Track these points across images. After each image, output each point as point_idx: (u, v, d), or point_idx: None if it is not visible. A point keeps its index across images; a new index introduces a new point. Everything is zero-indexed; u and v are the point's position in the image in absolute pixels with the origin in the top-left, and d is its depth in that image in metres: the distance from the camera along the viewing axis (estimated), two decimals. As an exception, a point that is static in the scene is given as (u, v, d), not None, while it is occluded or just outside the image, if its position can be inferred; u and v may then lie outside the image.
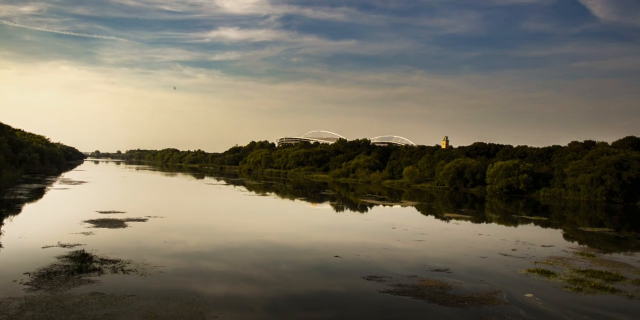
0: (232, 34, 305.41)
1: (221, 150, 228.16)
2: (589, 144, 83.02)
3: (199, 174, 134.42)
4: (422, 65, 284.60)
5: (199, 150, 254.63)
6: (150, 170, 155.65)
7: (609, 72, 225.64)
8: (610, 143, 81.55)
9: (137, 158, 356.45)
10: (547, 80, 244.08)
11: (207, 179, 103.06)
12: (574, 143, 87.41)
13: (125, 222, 30.17)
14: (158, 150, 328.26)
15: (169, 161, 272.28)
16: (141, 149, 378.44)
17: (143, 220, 31.89)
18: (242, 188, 75.62)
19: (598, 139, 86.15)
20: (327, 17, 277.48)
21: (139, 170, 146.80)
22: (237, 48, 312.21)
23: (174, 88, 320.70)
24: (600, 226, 39.53)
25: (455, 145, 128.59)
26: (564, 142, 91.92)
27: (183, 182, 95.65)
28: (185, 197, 57.99)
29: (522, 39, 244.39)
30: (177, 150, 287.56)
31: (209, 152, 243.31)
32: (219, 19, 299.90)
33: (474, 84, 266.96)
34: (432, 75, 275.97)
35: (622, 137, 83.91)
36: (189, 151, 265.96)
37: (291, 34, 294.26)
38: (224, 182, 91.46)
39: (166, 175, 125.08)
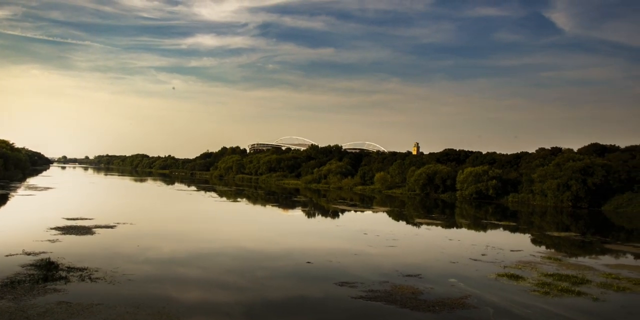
0: (209, 40, 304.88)
1: (192, 156, 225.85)
2: (556, 151, 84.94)
3: (169, 179, 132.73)
4: (397, 73, 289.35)
5: (170, 155, 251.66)
6: (119, 176, 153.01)
7: (575, 82, 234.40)
8: (576, 150, 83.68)
9: (105, 164, 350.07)
10: (517, 89, 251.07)
11: (178, 185, 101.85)
12: (542, 149, 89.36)
13: (93, 229, 29.54)
14: (127, 155, 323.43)
15: (139, 167, 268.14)
16: (110, 154, 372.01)
17: (112, 227, 31.27)
18: (214, 194, 74.93)
19: (564, 145, 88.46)
20: (306, 26, 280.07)
21: (108, 176, 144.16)
22: (214, 54, 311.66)
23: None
24: (566, 231, 40.39)
25: (426, 152, 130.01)
26: (531, 149, 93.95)
27: (153, 188, 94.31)
28: (156, 204, 57.15)
29: (494, 49, 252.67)
30: (147, 156, 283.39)
31: (180, 157, 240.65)
32: (197, 26, 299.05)
33: (447, 91, 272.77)
34: (407, 83, 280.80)
35: (587, 144, 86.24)
36: (159, 157, 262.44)
37: (269, 41, 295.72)
38: (195, 188, 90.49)
39: (135, 181, 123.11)
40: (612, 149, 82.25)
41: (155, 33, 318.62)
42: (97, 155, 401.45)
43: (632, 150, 75.95)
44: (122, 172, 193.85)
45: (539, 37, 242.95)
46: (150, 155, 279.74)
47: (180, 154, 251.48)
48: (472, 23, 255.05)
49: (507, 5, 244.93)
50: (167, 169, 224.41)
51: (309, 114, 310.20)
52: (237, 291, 16.86)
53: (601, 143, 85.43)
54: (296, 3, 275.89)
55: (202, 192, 78.95)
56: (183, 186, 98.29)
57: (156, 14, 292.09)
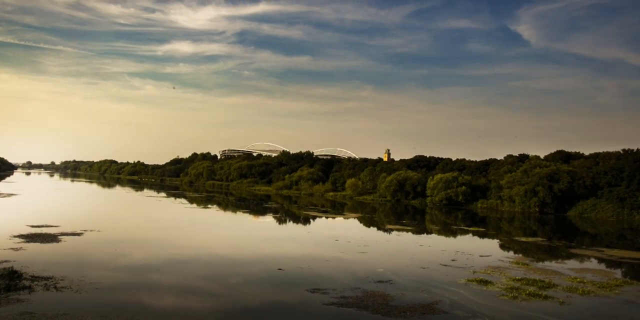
0: (185, 47, 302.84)
1: (162, 162, 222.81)
2: (523, 158, 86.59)
3: (138, 186, 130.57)
4: (371, 81, 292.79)
5: (139, 161, 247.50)
6: (86, 182, 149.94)
7: (543, 91, 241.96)
8: (542, 156, 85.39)
9: (72, 169, 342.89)
10: (487, 98, 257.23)
11: (147, 191, 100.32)
12: (509, 156, 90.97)
13: (59, 237, 28.86)
14: (95, 161, 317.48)
15: (107, 173, 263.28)
16: (77, 160, 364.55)
17: (78, 234, 30.61)
18: (184, 201, 74.02)
19: (532, 152, 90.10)
20: (284, 34, 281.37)
21: (74, 182, 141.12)
22: (190, 61, 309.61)
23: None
24: (533, 236, 41.16)
25: (397, 158, 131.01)
26: (500, 156, 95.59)
27: (121, 194, 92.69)
28: (124, 211, 56.18)
29: (466, 59, 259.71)
30: (115, 162, 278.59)
31: (150, 163, 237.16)
32: (174, 33, 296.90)
33: (419, 99, 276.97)
34: (380, 90, 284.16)
35: (553, 151, 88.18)
36: (127, 162, 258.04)
37: (247, 49, 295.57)
38: (165, 195, 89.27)
39: (103, 187, 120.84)
40: (577, 156, 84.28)
41: (131, 39, 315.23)
42: (63, 160, 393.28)
43: (596, 157, 78.00)
44: (90, 178, 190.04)
45: (508, 48, 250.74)
46: (119, 161, 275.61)
47: (150, 160, 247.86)
48: (446, 34, 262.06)
49: (477, 18, 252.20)
50: (136, 175, 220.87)
51: (282, 121, 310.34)
52: (211, 297, 16.73)
53: (566, 150, 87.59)
54: (275, 12, 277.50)
55: (172, 199, 77.93)
56: (152, 192, 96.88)
57: (132, 21, 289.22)
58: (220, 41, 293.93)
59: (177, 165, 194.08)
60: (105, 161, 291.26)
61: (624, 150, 70.72)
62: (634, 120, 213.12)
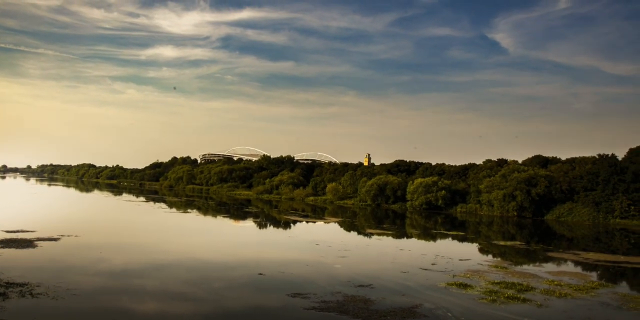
0: (169, 51, 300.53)
1: (141, 166, 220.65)
2: (502, 162, 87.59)
3: (116, 190, 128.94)
4: (354, 86, 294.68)
5: (117, 165, 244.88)
6: (63, 186, 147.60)
7: (521, 97, 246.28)
8: (520, 161, 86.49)
9: (49, 173, 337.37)
10: (468, 104, 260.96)
11: (126, 196, 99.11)
12: (488, 161, 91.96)
13: (35, 242, 28.37)
14: (73, 165, 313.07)
15: (85, 177, 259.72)
16: (54, 163, 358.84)
17: (55, 239, 30.12)
18: (163, 205, 73.30)
19: (510, 157, 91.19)
20: (269, 40, 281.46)
21: (51, 186, 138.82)
22: (173, 65, 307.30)
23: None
24: (512, 240, 41.64)
25: (377, 163, 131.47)
26: (479, 160, 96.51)
27: (99, 198, 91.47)
28: (102, 215, 55.44)
29: (448, 66, 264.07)
30: (93, 166, 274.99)
31: (129, 167, 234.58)
32: (158, 38, 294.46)
33: (401, 105, 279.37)
34: (363, 96, 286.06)
35: (531, 156, 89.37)
36: (106, 166, 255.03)
37: (231, 54, 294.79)
38: (144, 199, 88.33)
39: (81, 191, 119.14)
40: (554, 160, 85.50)
41: (114, 43, 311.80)
42: (40, 164, 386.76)
43: (572, 161, 79.25)
44: (67, 182, 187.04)
45: (488, 55, 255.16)
46: (97, 165, 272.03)
47: (129, 164, 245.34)
48: (428, 41, 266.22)
49: (458, 26, 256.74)
50: (115, 179, 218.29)
51: (264, 125, 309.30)
52: (194, 302, 16.61)
53: (544, 155, 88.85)
54: (260, 18, 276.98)
55: (152, 203, 77.15)
56: (131, 197, 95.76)
57: (116, 25, 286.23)
58: (205, 46, 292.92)
59: (157, 170, 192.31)
60: (83, 165, 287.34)
61: (599, 155, 72.02)
62: (609, 126, 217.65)
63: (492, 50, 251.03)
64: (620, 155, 71.24)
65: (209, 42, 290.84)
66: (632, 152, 71.74)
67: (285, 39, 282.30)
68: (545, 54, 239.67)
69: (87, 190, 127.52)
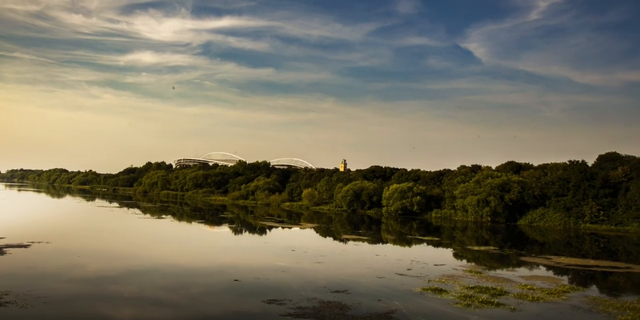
0: (148, 57, 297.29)
1: (115, 171, 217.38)
2: (476, 168, 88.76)
3: (89, 196, 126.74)
4: (333, 93, 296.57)
5: (90, 170, 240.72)
6: (34, 191, 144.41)
7: (495, 105, 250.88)
8: (494, 167, 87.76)
9: (19, 178, 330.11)
10: (444, 111, 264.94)
11: (99, 201, 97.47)
12: (462, 167, 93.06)
13: (4, 249, 27.69)
14: (44, 170, 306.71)
15: (57, 182, 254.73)
16: (25, 168, 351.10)
17: (25, 246, 29.45)
18: (137, 211, 72.31)
19: (484, 163, 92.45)
20: (250, 47, 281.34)
21: (21, 192, 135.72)
22: (152, 71, 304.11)
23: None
24: (486, 245, 42.16)
25: (353, 169, 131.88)
26: (454, 166, 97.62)
27: (71, 204, 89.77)
28: (74, 221, 54.40)
29: (425, 74, 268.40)
30: (65, 171, 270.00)
31: (102, 172, 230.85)
32: (138, 44, 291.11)
33: (378, 112, 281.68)
34: (341, 103, 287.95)
35: (504, 162, 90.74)
36: (79, 172, 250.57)
37: (212, 60, 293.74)
38: (117, 205, 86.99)
39: (52, 197, 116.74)
40: (527, 166, 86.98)
41: (93, 48, 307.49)
42: (10, 169, 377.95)
43: (544, 167, 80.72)
44: (38, 188, 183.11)
45: (463, 65, 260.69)
46: (70, 170, 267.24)
47: (102, 169, 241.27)
48: (406, 50, 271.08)
49: (434, 36, 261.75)
50: (88, 185, 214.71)
51: (242, 131, 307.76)
52: (172, 308, 16.47)
53: (517, 161, 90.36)
54: (242, 25, 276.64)
55: (125, 209, 76.02)
56: (104, 202, 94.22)
57: (95, 30, 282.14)
58: (185, 52, 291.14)
59: (131, 175, 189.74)
60: (55, 170, 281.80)
61: (570, 161, 73.63)
62: (579, 133, 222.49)
63: (467, 60, 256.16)
64: (590, 161, 73.10)
65: (190, 49, 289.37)
66: (601, 158, 73.59)
67: (267, 46, 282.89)
68: (518, 64, 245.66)
69: (59, 195, 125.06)
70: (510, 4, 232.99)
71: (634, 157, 69.39)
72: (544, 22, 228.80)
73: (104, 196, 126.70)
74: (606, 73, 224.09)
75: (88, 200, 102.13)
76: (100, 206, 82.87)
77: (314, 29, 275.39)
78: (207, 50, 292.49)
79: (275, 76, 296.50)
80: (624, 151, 79.08)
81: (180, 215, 67.98)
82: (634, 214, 57.74)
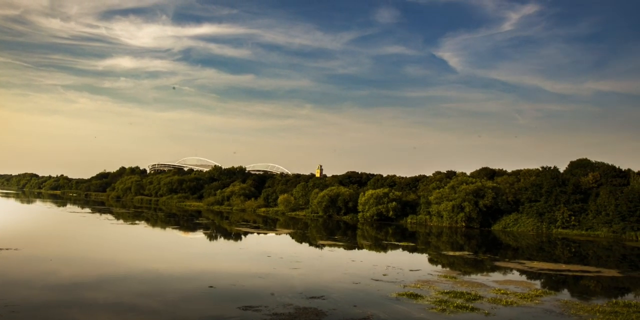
0: (127, 62, 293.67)
1: (88, 176, 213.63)
2: (451, 174, 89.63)
3: (60, 201, 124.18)
4: (312, 100, 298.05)
5: (62, 175, 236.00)
6: (2, 196, 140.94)
7: (470, 113, 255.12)
8: (469, 173, 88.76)
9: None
10: (420, 118, 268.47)
11: (70, 207, 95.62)
12: (438, 173, 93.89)
13: (-29, 256, 26.94)
14: (13, 174, 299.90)
15: (27, 187, 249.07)
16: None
17: (-7, 253, 28.69)
18: (110, 216, 71.11)
19: (459, 169, 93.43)
20: (231, 54, 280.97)
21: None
22: (131, 75, 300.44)
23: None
24: (460, 250, 42.53)
25: (329, 175, 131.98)
26: (429, 172, 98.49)
27: (41, 209, 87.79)
28: (45, 227, 53.23)
29: (403, 82, 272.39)
30: (36, 175, 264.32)
31: (74, 177, 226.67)
32: (117, 49, 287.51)
33: (356, 118, 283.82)
34: (319, 109, 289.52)
35: (478, 168, 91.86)
36: (50, 176, 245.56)
37: (192, 66, 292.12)
38: (89, 210, 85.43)
39: (21, 202, 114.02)
40: (501, 173, 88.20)
41: (71, 53, 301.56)
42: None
43: (517, 174, 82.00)
44: (7, 193, 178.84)
45: (439, 73, 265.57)
46: (41, 175, 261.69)
47: (75, 174, 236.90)
48: (385, 58, 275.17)
49: (412, 45, 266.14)
50: (59, 190, 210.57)
51: (218, 136, 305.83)
52: (151, 314, 16.29)
53: (491, 167, 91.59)
54: (223, 33, 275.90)
55: (98, 215, 74.68)
56: (76, 208, 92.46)
57: (74, 35, 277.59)
58: (165, 58, 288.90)
59: (104, 180, 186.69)
60: (25, 175, 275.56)
61: (542, 167, 74.91)
62: (551, 140, 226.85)
63: (443, 68, 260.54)
64: (562, 167, 74.44)
65: (170, 54, 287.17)
66: (572, 164, 75.02)
67: (248, 53, 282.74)
68: (492, 73, 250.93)
69: (29, 201, 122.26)
70: (483, 15, 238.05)
71: (603, 164, 70.97)
72: (517, 33, 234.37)
73: (75, 201, 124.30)
74: (576, 83, 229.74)
75: (59, 206, 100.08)
76: (71, 212, 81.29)
77: (295, 37, 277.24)
78: (188, 56, 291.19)
79: (255, 82, 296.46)
80: (594, 158, 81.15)
81: (154, 221, 67.09)
82: (604, 219, 58.97)
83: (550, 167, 72.70)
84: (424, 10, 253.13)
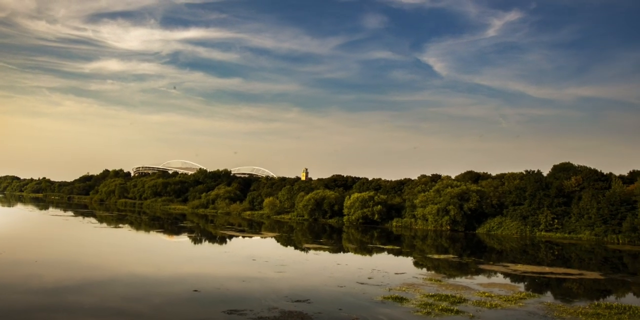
0: (114, 65, 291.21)
1: (71, 179, 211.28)
2: (436, 177, 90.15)
3: (42, 204, 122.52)
4: (299, 104, 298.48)
5: (44, 178, 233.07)
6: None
7: (456, 117, 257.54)
8: (454, 177, 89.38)
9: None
10: (406, 122, 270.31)
11: (52, 210, 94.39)
12: (423, 176, 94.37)
13: (-50, 260, 26.47)
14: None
15: (7, 190, 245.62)
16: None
17: (-28, 257, 28.22)
18: (93, 220, 70.30)
19: (444, 173, 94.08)
20: (219, 58, 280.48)
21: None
22: (118, 78, 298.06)
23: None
24: (445, 253, 42.74)
25: (315, 178, 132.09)
26: (415, 176, 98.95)
27: (23, 213, 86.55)
28: (27, 230, 52.48)
29: (390, 87, 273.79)
30: (17, 178, 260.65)
31: (57, 180, 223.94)
32: (104, 52, 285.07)
33: (342, 122, 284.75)
34: (306, 113, 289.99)
35: (463, 172, 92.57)
36: (32, 179, 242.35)
37: (179, 70, 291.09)
38: (72, 214, 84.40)
39: (2, 205, 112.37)
40: (485, 176, 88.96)
41: (57, 55, 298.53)
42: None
43: (502, 177, 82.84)
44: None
45: (425, 78, 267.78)
46: (22, 178, 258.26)
47: (57, 177, 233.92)
48: (373, 63, 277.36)
49: (398, 50, 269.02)
50: (41, 193, 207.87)
51: (204, 139, 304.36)
52: (136, 318, 16.21)
53: (475, 171, 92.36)
54: (212, 37, 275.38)
55: (81, 218, 73.81)
56: (59, 211, 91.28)
57: (60, 37, 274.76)
58: (153, 61, 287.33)
59: (87, 183, 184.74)
60: (5, 177, 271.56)
61: (526, 171, 75.71)
62: (534, 144, 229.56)
63: (429, 73, 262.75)
64: (545, 171, 75.26)
65: (158, 57, 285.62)
66: (555, 168, 75.88)
67: (237, 57, 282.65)
68: (476, 78, 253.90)
69: (9, 204, 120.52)
70: (467, 21, 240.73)
71: (586, 168, 71.89)
72: (501, 39, 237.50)
73: (58, 205, 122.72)
74: (559, 88, 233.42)
75: (41, 209, 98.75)
76: (54, 215, 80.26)
77: (284, 42, 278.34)
78: (176, 59, 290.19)
79: (243, 86, 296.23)
80: (577, 161, 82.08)
81: (138, 225, 66.50)
82: (586, 222, 59.68)
83: (534, 171, 73.45)
84: (410, 16, 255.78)
